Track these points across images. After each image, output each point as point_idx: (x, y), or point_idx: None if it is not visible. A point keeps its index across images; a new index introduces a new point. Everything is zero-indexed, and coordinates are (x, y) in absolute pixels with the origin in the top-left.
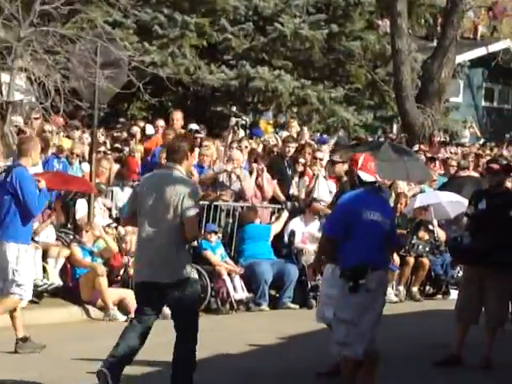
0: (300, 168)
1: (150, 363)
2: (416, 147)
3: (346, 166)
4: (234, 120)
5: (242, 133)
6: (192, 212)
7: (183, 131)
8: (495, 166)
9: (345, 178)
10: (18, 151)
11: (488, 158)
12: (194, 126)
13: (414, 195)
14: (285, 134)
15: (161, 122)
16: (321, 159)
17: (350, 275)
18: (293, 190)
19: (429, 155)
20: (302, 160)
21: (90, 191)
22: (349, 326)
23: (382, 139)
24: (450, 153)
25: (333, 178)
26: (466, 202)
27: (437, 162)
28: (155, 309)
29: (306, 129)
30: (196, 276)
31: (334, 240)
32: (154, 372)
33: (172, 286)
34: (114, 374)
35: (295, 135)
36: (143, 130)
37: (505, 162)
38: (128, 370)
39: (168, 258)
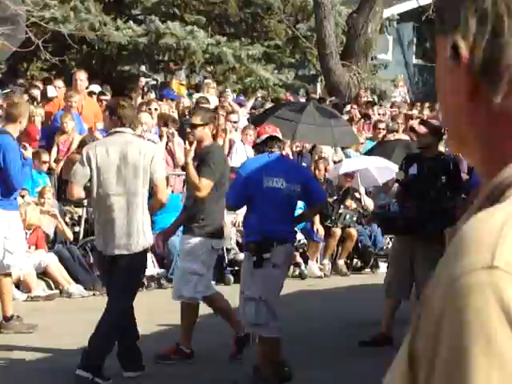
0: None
1: None
2: (348, 107)
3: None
4: (143, 80)
5: (152, 95)
6: (162, 174)
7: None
8: (421, 129)
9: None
10: (5, 116)
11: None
12: (96, 88)
13: (340, 161)
14: (199, 95)
15: (60, 83)
16: (235, 122)
17: (254, 249)
18: None
19: (363, 113)
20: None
21: None
22: (258, 304)
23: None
24: (379, 114)
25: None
26: (395, 167)
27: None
28: None
29: (229, 90)
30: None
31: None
32: None
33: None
34: None
35: (215, 97)
36: (43, 91)
37: (435, 124)
38: None
39: (138, 226)
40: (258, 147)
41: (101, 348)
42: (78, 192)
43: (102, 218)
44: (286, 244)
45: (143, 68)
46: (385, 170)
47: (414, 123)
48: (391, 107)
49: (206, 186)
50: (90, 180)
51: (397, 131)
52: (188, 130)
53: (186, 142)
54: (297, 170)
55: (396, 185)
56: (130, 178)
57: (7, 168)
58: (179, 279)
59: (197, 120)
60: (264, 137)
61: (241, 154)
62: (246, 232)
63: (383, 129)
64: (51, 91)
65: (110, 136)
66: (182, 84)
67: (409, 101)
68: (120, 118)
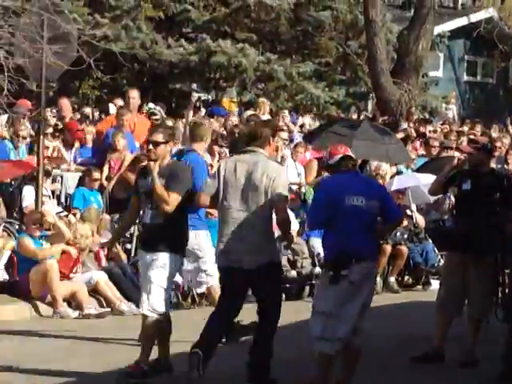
0: None
1: None
2: (405, 125)
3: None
4: (195, 95)
5: (203, 111)
6: (284, 195)
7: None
8: (466, 148)
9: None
10: (191, 136)
11: (471, 136)
12: (150, 105)
13: (391, 177)
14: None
15: (120, 102)
16: (285, 140)
17: (331, 265)
18: None
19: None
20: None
21: (33, 170)
22: (327, 318)
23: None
24: (429, 131)
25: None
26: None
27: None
28: None
29: (286, 111)
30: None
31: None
32: None
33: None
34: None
35: (268, 115)
36: (103, 110)
37: (483, 141)
38: None
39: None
40: (332, 168)
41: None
42: (204, 200)
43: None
44: (365, 261)
45: (194, 86)
46: None
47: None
48: (442, 124)
49: (174, 200)
50: (217, 192)
51: (451, 148)
52: (150, 147)
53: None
54: (374, 187)
55: (447, 201)
56: (251, 196)
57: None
58: (149, 293)
59: (159, 138)
60: (338, 157)
61: (291, 171)
62: (325, 249)
63: (437, 146)
64: (112, 109)
65: (242, 154)
66: (233, 101)
67: (458, 118)
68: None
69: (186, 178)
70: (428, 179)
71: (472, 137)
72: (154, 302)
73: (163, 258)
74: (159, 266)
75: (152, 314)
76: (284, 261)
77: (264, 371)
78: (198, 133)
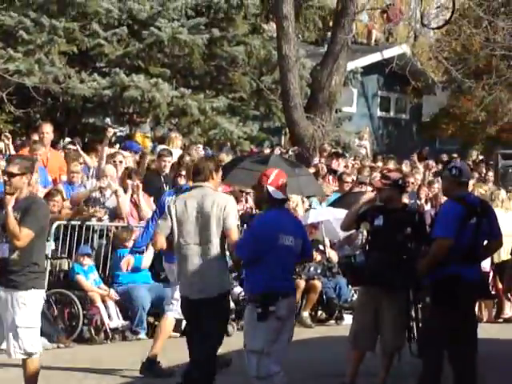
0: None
1: None
2: (316, 159)
3: None
4: (111, 131)
5: (117, 146)
6: (235, 222)
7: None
8: (377, 183)
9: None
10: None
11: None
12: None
13: (306, 210)
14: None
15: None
16: None
17: (259, 302)
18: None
19: (329, 167)
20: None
21: None
22: (260, 357)
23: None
24: (344, 167)
25: None
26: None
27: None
28: None
29: (200, 146)
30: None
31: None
32: None
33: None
34: None
35: (179, 150)
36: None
37: (395, 176)
38: None
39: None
40: (275, 202)
41: None
42: (161, 242)
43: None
44: (289, 297)
45: (108, 120)
46: None
47: (376, 177)
48: (354, 159)
49: (26, 235)
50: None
51: (365, 183)
52: (5, 178)
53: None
54: (300, 226)
55: (359, 237)
56: (205, 227)
57: None
58: (17, 337)
59: (14, 169)
60: (279, 196)
61: None
62: (251, 285)
63: (350, 182)
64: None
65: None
66: (146, 136)
67: (371, 153)
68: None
69: (41, 214)
70: (342, 214)
71: (384, 172)
72: (26, 344)
73: (22, 297)
74: (20, 305)
75: (26, 356)
76: None
77: None
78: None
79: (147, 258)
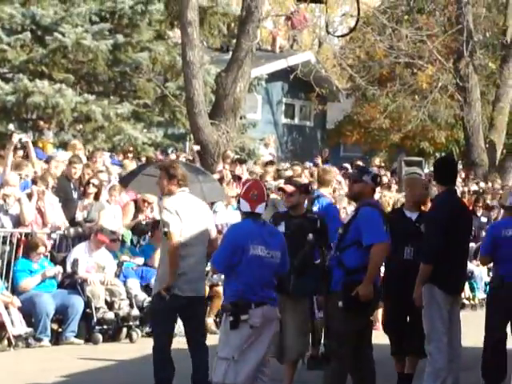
0: (92, 190)
1: None
2: (220, 166)
3: None
4: (16, 137)
5: (20, 152)
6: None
7: None
8: (289, 187)
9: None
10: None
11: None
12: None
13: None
14: (63, 154)
15: None
16: (106, 181)
17: (230, 310)
18: (77, 215)
19: (233, 173)
20: (95, 181)
21: None
22: (229, 364)
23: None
24: (250, 172)
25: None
26: None
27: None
28: None
29: (106, 154)
30: None
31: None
32: None
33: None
34: None
35: (82, 156)
36: None
37: (302, 182)
38: None
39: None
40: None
41: None
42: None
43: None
44: (263, 306)
45: (11, 126)
46: None
47: (281, 183)
48: (256, 164)
49: None
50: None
51: (269, 189)
52: None
53: None
54: (278, 238)
55: None
56: (200, 231)
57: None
58: None
59: None
60: (246, 210)
61: (108, 213)
62: (225, 295)
63: None
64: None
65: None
66: (49, 143)
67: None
68: (179, 180)
69: None
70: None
71: (292, 178)
72: None
73: None
74: None
75: None
76: (102, 302)
77: None
78: (326, 178)
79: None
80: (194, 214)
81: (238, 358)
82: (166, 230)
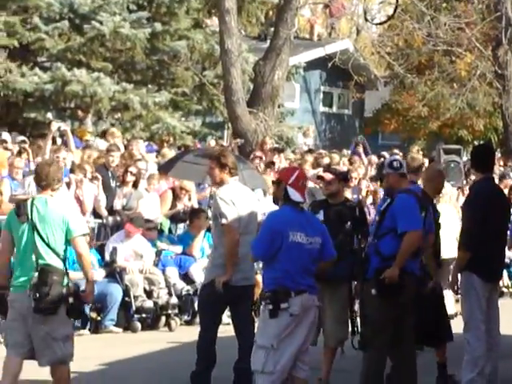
0: (130, 178)
1: None
2: (258, 153)
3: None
4: (55, 125)
5: (59, 142)
6: None
7: None
8: (328, 175)
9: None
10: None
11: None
12: (6, 136)
13: None
14: (102, 142)
15: None
16: (145, 170)
17: (269, 299)
18: (116, 203)
19: (267, 161)
20: (133, 169)
21: None
22: (268, 352)
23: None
24: (288, 159)
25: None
26: None
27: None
28: None
29: (141, 141)
30: None
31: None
32: None
33: None
34: None
35: (120, 144)
36: None
37: (341, 170)
38: None
39: None
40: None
41: None
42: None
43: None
44: (303, 294)
45: (50, 115)
46: None
47: (321, 171)
48: (295, 154)
49: None
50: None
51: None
52: None
53: None
54: (319, 225)
55: None
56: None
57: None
58: None
59: None
60: (297, 199)
61: (147, 202)
62: (264, 283)
63: None
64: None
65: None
66: (88, 132)
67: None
68: (230, 168)
69: None
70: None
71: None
72: None
73: None
74: None
75: None
76: (140, 291)
77: None
78: (415, 165)
79: None
80: (246, 203)
81: (277, 347)
82: (224, 221)
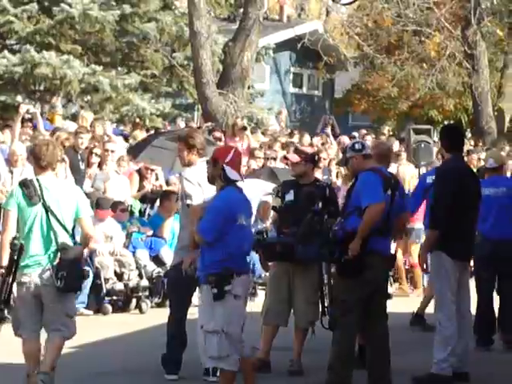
0: (95, 159)
1: None
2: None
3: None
4: (24, 107)
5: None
6: None
7: None
8: (294, 157)
9: None
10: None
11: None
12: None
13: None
14: (71, 124)
15: None
16: (112, 151)
17: (214, 282)
18: (85, 187)
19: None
20: (97, 151)
21: None
22: (220, 336)
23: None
24: (262, 142)
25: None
26: (254, 197)
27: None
28: None
29: (108, 123)
30: None
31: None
32: None
33: None
34: None
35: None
36: None
37: (310, 151)
38: None
39: None
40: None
41: None
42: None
43: None
44: (243, 275)
45: (19, 98)
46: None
47: (287, 152)
48: (264, 135)
49: None
50: None
51: (275, 159)
52: None
53: None
54: (250, 205)
55: (273, 212)
56: None
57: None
58: None
59: None
60: (235, 178)
61: (116, 184)
62: (206, 265)
63: (262, 157)
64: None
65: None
66: (57, 114)
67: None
68: (198, 149)
69: None
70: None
71: (299, 147)
72: None
73: None
74: None
75: None
76: (111, 273)
77: None
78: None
79: None
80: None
81: (227, 330)
82: (189, 202)
